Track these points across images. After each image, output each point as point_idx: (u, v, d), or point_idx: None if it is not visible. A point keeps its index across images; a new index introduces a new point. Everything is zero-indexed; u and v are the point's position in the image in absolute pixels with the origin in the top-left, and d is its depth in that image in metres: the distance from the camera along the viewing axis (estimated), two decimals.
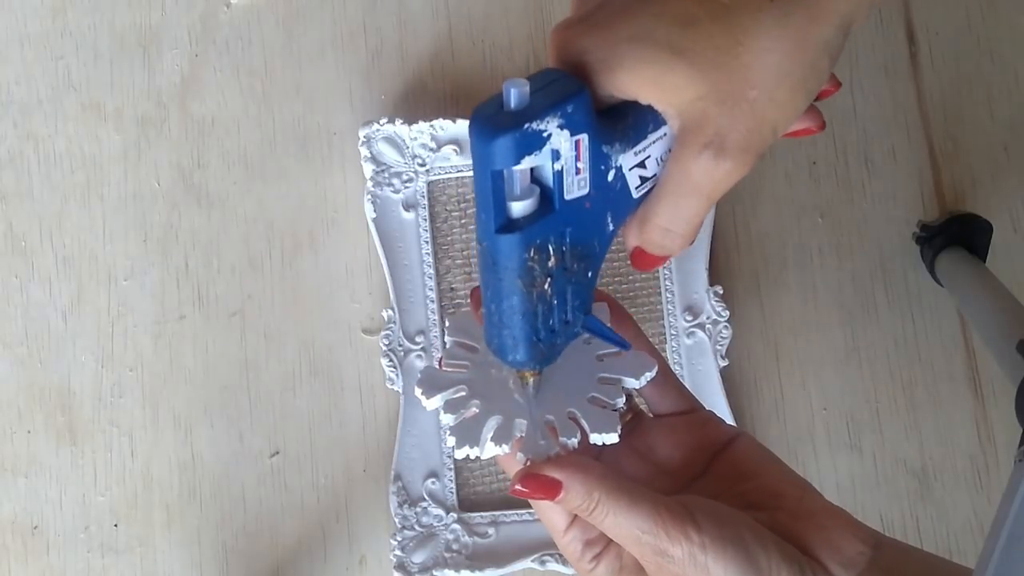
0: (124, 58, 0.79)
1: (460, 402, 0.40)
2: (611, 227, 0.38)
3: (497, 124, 0.33)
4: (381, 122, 0.75)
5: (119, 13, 0.79)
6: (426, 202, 0.75)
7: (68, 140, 0.78)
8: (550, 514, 0.39)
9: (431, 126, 0.75)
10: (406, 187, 0.75)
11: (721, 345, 0.74)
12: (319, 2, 0.79)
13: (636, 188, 0.38)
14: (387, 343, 0.74)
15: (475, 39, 0.79)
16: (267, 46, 0.79)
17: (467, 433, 0.39)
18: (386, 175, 0.75)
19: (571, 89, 0.34)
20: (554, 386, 0.40)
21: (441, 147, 0.75)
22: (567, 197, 0.36)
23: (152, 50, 0.79)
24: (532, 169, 0.35)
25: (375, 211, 0.75)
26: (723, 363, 0.74)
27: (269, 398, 0.75)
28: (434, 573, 0.71)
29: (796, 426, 0.75)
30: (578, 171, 0.35)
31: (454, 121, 0.75)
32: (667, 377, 0.43)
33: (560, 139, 0.34)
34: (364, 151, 0.75)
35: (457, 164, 0.75)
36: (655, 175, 0.38)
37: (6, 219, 0.77)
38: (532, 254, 0.36)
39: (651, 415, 0.44)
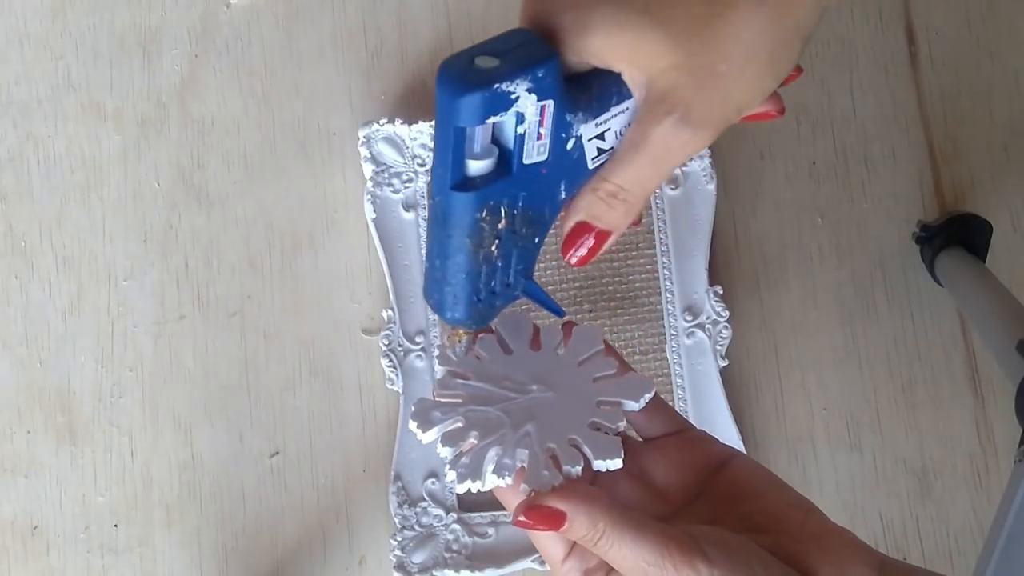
0: (124, 58, 0.79)
1: (457, 434, 0.39)
2: (563, 195, 0.38)
3: (467, 81, 0.33)
4: (381, 122, 0.75)
5: (119, 13, 0.79)
6: (426, 202, 0.75)
7: (68, 140, 0.78)
8: (546, 543, 0.38)
9: (431, 126, 0.75)
10: (406, 187, 0.75)
11: (721, 345, 0.74)
12: (319, 2, 0.79)
13: (592, 159, 0.38)
14: (387, 343, 0.74)
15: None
16: (267, 46, 0.79)
17: (467, 466, 0.38)
18: (386, 175, 0.75)
19: (543, 54, 0.34)
20: (553, 412, 0.40)
21: None
22: (526, 161, 0.36)
23: (152, 50, 0.79)
24: (493, 129, 0.35)
25: (375, 211, 0.75)
26: (723, 363, 0.74)
27: (269, 398, 0.75)
28: (434, 573, 0.71)
29: (796, 426, 0.75)
30: (539, 136, 0.35)
31: None
32: (656, 402, 0.42)
33: (527, 103, 0.34)
34: (364, 151, 0.75)
35: None
36: (611, 148, 0.38)
37: (6, 219, 0.77)
38: (484, 214, 0.36)
39: (639, 439, 0.43)
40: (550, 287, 0.75)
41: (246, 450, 0.74)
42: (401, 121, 0.75)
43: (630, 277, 0.75)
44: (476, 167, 0.35)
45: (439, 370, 0.42)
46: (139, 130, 0.78)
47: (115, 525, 0.73)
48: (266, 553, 0.73)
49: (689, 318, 0.74)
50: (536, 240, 0.38)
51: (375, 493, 0.74)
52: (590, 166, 0.38)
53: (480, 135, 0.35)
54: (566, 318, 0.43)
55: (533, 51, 0.34)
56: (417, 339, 0.74)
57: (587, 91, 0.36)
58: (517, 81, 0.33)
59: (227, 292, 0.76)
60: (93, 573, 0.73)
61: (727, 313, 0.74)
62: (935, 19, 0.79)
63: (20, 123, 0.78)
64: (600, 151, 0.38)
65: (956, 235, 0.74)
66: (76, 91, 0.78)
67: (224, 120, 0.78)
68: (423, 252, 0.75)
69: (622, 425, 0.40)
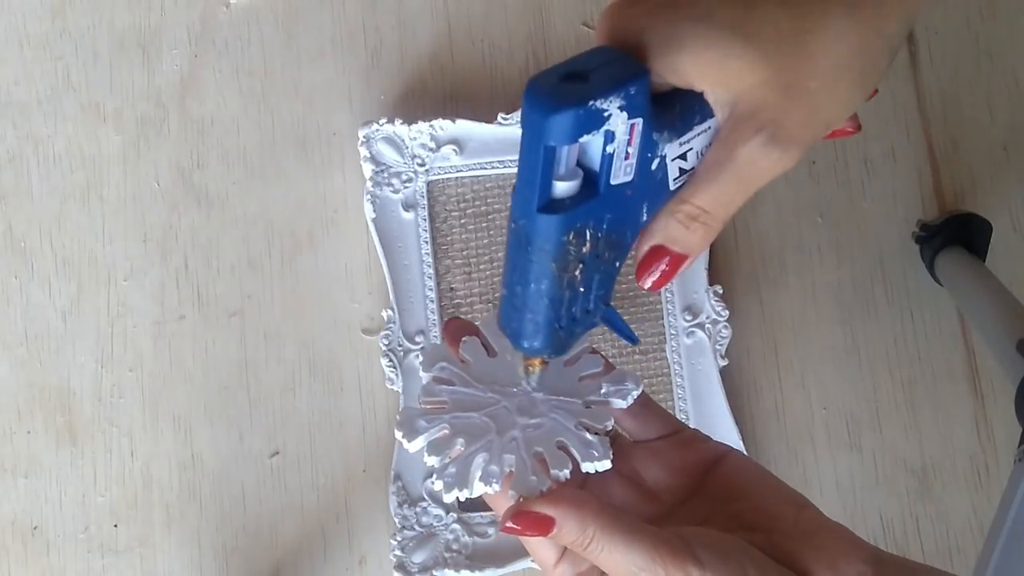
0: (123, 58, 0.79)
1: (443, 442, 0.38)
2: (645, 218, 0.37)
3: (558, 97, 0.31)
4: (380, 122, 0.75)
5: (118, 13, 0.79)
6: (425, 202, 0.75)
7: (68, 140, 0.78)
8: (538, 548, 0.38)
9: (430, 126, 0.75)
10: (405, 187, 0.75)
11: (721, 345, 0.74)
12: (319, 2, 0.79)
13: (674, 180, 0.37)
14: (387, 343, 0.74)
15: (474, 39, 0.79)
16: (266, 46, 0.79)
17: (454, 475, 0.37)
18: (385, 175, 0.75)
19: (634, 71, 0.33)
20: (539, 414, 0.39)
21: (440, 147, 0.75)
22: (613, 182, 0.34)
23: (151, 50, 0.79)
24: (580, 149, 0.34)
25: (375, 211, 0.75)
26: (723, 363, 0.74)
27: (269, 398, 0.75)
28: (434, 573, 0.71)
29: (796, 426, 0.75)
30: (627, 156, 0.34)
31: (453, 121, 0.75)
32: (647, 404, 0.41)
33: (618, 121, 0.33)
34: (363, 151, 0.75)
35: (456, 164, 0.75)
36: (692, 169, 0.37)
37: (6, 219, 0.77)
38: (571, 237, 0.34)
39: (631, 440, 0.42)
40: None
41: (246, 450, 0.74)
42: (401, 121, 0.75)
43: (629, 277, 0.75)
44: (563, 188, 0.34)
45: (423, 376, 0.41)
46: (139, 130, 0.78)
47: (115, 525, 0.73)
48: (266, 553, 0.73)
49: (689, 318, 0.74)
50: (617, 264, 0.37)
51: (375, 493, 0.74)
52: (671, 187, 0.37)
53: (568, 155, 0.33)
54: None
55: (623, 68, 0.33)
56: (417, 339, 0.74)
57: (671, 109, 0.35)
58: (610, 98, 0.32)
59: (227, 292, 0.76)
60: (93, 573, 0.73)
61: (727, 313, 0.74)
62: (935, 19, 0.79)
63: (20, 123, 0.78)
64: (682, 171, 0.37)
65: (956, 235, 0.74)
66: (76, 91, 0.78)
67: (224, 120, 0.78)
68: (422, 252, 0.75)
69: (610, 424, 0.39)
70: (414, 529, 0.72)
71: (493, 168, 0.76)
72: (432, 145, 0.75)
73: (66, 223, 0.77)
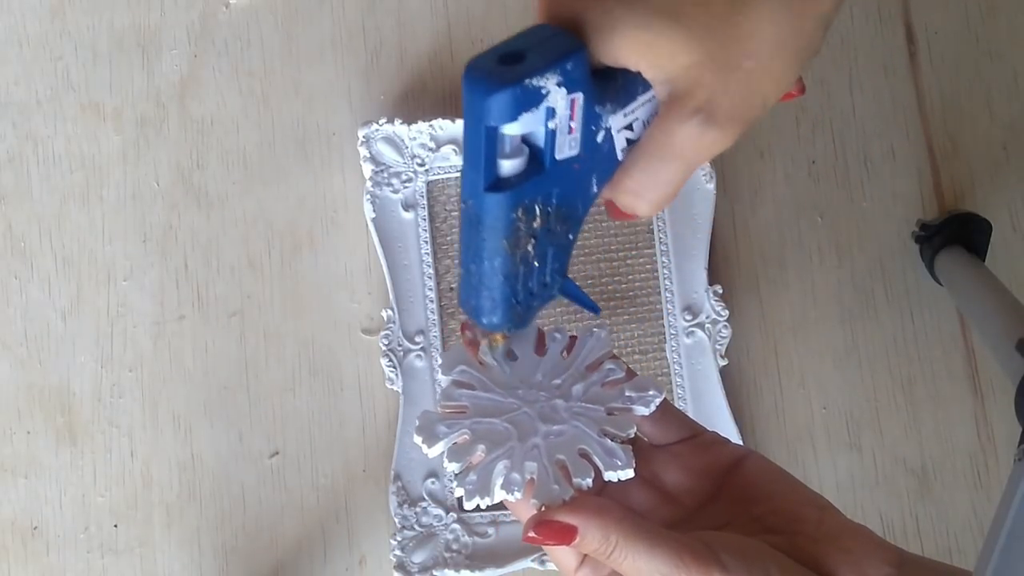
0: (123, 58, 0.79)
1: (463, 448, 0.38)
2: (595, 189, 0.38)
3: (495, 78, 0.32)
4: (380, 122, 0.75)
5: (118, 13, 0.79)
6: (425, 202, 0.75)
7: (67, 140, 0.78)
8: (559, 553, 0.37)
9: (430, 126, 0.75)
10: (405, 187, 0.75)
11: (720, 344, 0.74)
12: (318, 2, 0.79)
13: (622, 150, 0.37)
14: (387, 343, 0.74)
15: (474, 39, 0.79)
16: (266, 46, 0.79)
17: (475, 482, 0.37)
18: (385, 175, 0.75)
19: (570, 46, 0.33)
20: (561, 421, 0.39)
21: (440, 147, 0.75)
22: (558, 157, 0.35)
23: (151, 50, 0.79)
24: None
25: (374, 211, 0.75)
26: (722, 362, 0.74)
27: (269, 398, 0.75)
28: (434, 573, 0.71)
29: (796, 425, 0.75)
30: (571, 131, 0.35)
31: (453, 121, 0.75)
32: (666, 408, 0.41)
33: (557, 97, 0.33)
34: (363, 151, 0.75)
35: (456, 164, 0.75)
36: (639, 139, 0.37)
37: (6, 219, 0.77)
38: (519, 214, 0.35)
39: (650, 444, 0.42)
40: None
41: (246, 450, 0.74)
42: (400, 121, 0.75)
43: (629, 277, 0.75)
44: (508, 166, 0.34)
45: (441, 379, 0.41)
46: (138, 130, 0.78)
47: (115, 525, 0.73)
48: (266, 553, 0.73)
49: (689, 317, 0.74)
50: (570, 236, 0.38)
51: (375, 493, 0.74)
52: (620, 158, 0.37)
53: (510, 134, 0.34)
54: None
55: (559, 44, 0.33)
56: (417, 339, 0.74)
57: (612, 82, 0.36)
58: (546, 75, 0.33)
59: (227, 292, 0.76)
60: (93, 573, 0.73)
61: (727, 312, 0.74)
62: (935, 18, 0.79)
63: (20, 123, 0.78)
64: (629, 142, 0.37)
65: (956, 234, 0.74)
66: (75, 91, 0.78)
67: (224, 120, 0.78)
68: (422, 252, 0.75)
69: (632, 432, 0.39)
70: (414, 529, 0.72)
71: None
72: (432, 145, 0.75)
73: (66, 223, 0.77)
